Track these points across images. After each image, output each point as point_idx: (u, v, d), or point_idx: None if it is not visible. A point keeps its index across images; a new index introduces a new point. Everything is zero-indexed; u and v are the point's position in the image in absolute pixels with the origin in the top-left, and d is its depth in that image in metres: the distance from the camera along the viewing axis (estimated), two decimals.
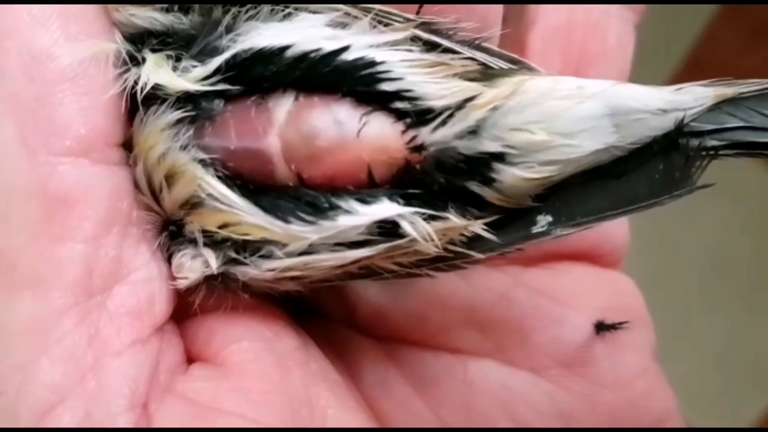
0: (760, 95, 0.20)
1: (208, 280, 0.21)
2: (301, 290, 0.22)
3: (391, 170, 0.20)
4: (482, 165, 0.20)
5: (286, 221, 0.20)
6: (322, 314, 0.25)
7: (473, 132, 0.20)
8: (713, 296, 0.87)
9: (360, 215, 0.20)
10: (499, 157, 0.20)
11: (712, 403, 0.83)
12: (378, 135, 0.20)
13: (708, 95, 0.21)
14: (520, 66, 0.21)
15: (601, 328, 0.25)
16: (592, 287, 0.26)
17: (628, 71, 0.26)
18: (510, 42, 0.25)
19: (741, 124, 0.20)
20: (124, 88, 0.20)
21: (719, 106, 0.20)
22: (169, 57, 0.20)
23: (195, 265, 0.21)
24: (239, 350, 0.21)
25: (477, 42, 0.21)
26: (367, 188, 0.20)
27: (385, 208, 0.20)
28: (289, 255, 0.20)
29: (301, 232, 0.20)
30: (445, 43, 0.21)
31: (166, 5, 0.21)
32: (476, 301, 0.25)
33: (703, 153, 0.20)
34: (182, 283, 0.21)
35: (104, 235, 0.19)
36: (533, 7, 0.26)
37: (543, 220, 0.21)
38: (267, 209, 0.20)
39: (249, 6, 0.20)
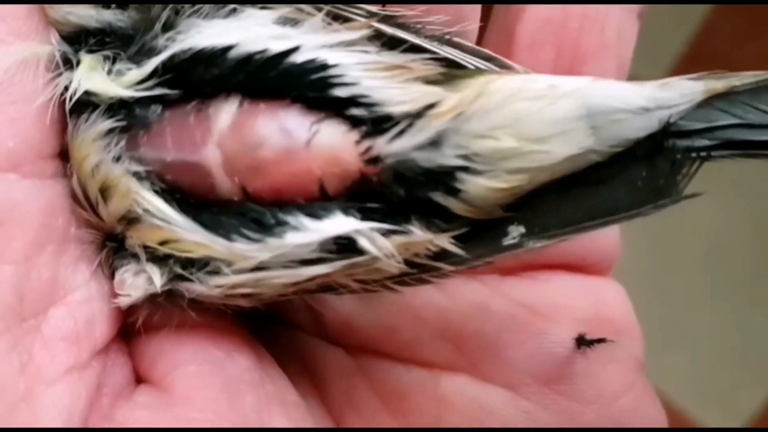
0: (756, 89, 0.18)
1: (153, 296, 0.19)
2: (257, 306, 0.20)
3: (345, 183, 0.18)
4: (445, 176, 0.18)
5: (230, 239, 0.18)
6: (288, 323, 0.24)
7: (434, 143, 0.18)
8: (714, 288, 0.85)
9: (310, 232, 0.18)
10: (463, 167, 0.18)
11: (712, 395, 0.82)
12: (329, 145, 0.18)
13: (697, 90, 0.18)
14: (493, 63, 0.20)
15: (582, 342, 0.23)
16: (575, 298, 0.24)
17: (627, 67, 0.23)
18: (496, 33, 0.23)
19: (735, 121, 0.18)
20: (54, 95, 0.18)
21: (709, 101, 0.18)
22: (106, 58, 0.19)
23: (138, 281, 0.19)
24: (185, 375, 0.19)
25: (447, 37, 0.19)
26: (319, 201, 0.19)
27: (339, 224, 0.18)
28: (238, 272, 0.19)
29: (245, 251, 0.18)
30: (411, 38, 0.19)
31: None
32: (450, 313, 0.23)
33: (693, 155, 0.18)
34: (124, 302, 0.19)
35: (36, 254, 0.18)
36: None
37: (515, 231, 0.19)
38: (208, 226, 0.18)
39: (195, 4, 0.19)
